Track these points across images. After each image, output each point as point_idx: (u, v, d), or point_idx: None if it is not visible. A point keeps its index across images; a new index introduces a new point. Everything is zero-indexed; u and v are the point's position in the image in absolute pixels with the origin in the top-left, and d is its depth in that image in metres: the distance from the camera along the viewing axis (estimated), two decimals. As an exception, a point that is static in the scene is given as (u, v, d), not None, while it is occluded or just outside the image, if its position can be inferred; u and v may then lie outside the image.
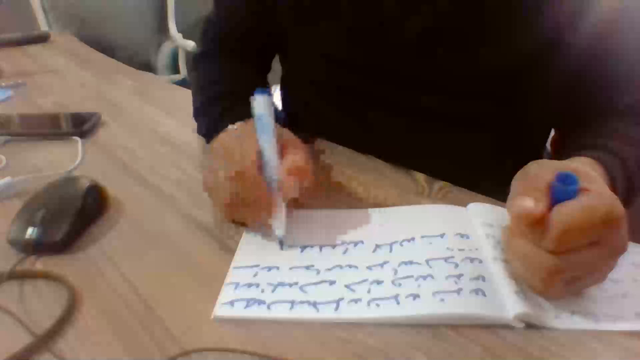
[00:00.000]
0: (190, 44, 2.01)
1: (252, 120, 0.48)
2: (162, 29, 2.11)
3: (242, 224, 0.49)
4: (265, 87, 0.49)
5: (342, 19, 0.61)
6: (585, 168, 0.40)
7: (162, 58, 2.14)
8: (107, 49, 1.28)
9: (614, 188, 0.46)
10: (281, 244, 0.46)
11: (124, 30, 1.99)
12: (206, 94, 0.66)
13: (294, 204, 0.49)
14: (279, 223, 0.45)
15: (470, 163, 0.62)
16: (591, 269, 0.37)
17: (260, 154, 0.46)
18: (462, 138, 0.63)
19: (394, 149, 0.61)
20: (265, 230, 0.47)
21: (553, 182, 0.37)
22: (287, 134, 0.51)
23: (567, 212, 0.35)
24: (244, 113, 0.50)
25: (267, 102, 0.47)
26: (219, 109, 0.61)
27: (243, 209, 0.46)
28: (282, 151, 0.48)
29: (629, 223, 0.36)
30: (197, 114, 0.68)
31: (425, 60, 0.59)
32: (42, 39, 1.30)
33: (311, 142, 0.67)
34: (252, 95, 0.47)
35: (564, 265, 0.36)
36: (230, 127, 0.52)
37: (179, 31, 2.09)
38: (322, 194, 0.55)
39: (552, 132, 0.72)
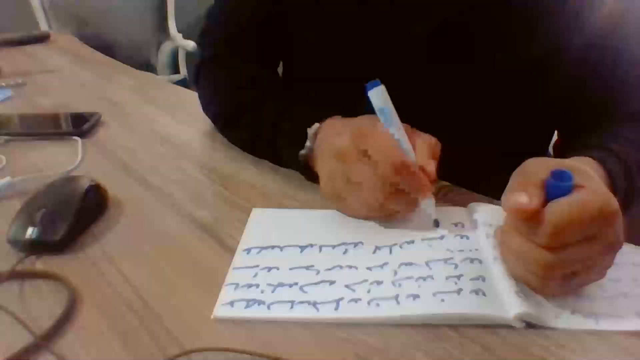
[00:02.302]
0: (190, 44, 2.01)
1: (358, 117, 0.49)
2: (162, 29, 2.12)
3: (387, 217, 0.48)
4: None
5: (351, 19, 0.61)
6: (582, 166, 0.40)
7: (162, 58, 2.14)
8: (107, 49, 1.29)
9: (614, 188, 0.46)
10: (437, 223, 0.47)
11: (124, 30, 1.99)
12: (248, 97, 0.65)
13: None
14: (430, 205, 0.47)
15: (471, 167, 0.62)
16: (587, 264, 0.37)
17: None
18: (465, 141, 0.63)
19: None
20: (415, 214, 0.48)
21: (548, 179, 0.37)
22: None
23: (560, 207, 0.35)
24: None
25: (384, 92, 0.46)
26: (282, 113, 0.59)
27: (400, 198, 0.46)
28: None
29: (629, 224, 0.36)
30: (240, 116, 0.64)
31: (433, 61, 0.59)
32: (42, 39, 1.30)
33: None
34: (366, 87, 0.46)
35: (558, 260, 0.36)
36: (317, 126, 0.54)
37: (179, 31, 2.09)
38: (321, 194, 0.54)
39: (554, 137, 0.72)
